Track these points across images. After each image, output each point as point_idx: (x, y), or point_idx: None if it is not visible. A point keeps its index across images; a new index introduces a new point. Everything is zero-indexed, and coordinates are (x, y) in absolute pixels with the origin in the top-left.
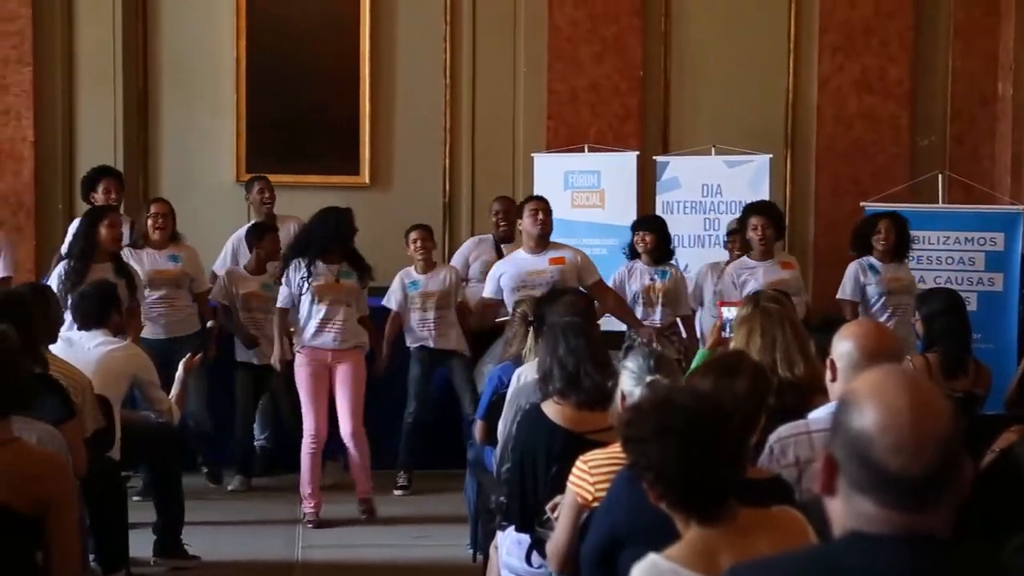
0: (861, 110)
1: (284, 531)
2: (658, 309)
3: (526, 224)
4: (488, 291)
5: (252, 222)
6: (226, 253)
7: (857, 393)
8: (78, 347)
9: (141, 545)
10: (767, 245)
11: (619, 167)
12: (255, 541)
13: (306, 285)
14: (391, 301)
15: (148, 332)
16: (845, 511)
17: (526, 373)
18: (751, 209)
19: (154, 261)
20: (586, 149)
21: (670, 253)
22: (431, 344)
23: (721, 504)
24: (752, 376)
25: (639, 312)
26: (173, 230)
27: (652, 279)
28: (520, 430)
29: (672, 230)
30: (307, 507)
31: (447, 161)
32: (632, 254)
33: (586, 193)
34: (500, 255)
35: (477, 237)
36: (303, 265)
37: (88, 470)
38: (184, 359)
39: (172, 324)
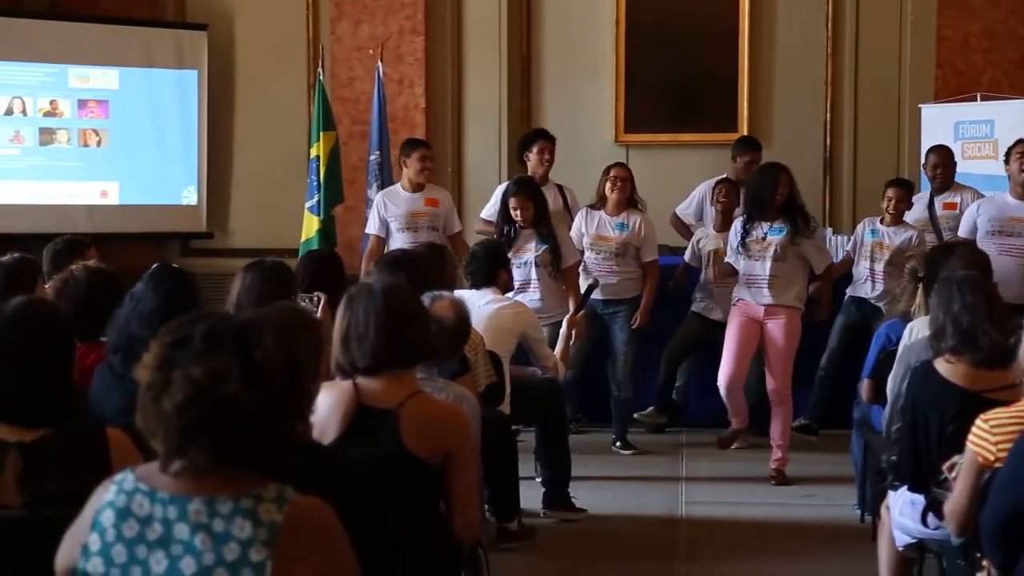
0: None
1: (667, 487)
2: None
3: (1012, 168)
4: (964, 231)
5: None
6: (692, 201)
7: None
8: (469, 305)
9: (531, 497)
10: None
11: (1016, 116)
12: (639, 496)
13: (740, 242)
14: (853, 250)
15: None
16: None
17: (916, 330)
18: None
19: (601, 226)
20: (979, 98)
21: None
22: (867, 295)
23: None
24: None
25: None
26: (631, 195)
27: None
28: (911, 388)
29: None
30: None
31: (828, 115)
32: None
33: (978, 144)
34: (932, 212)
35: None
36: (742, 220)
37: (481, 424)
38: (568, 315)
39: (610, 288)
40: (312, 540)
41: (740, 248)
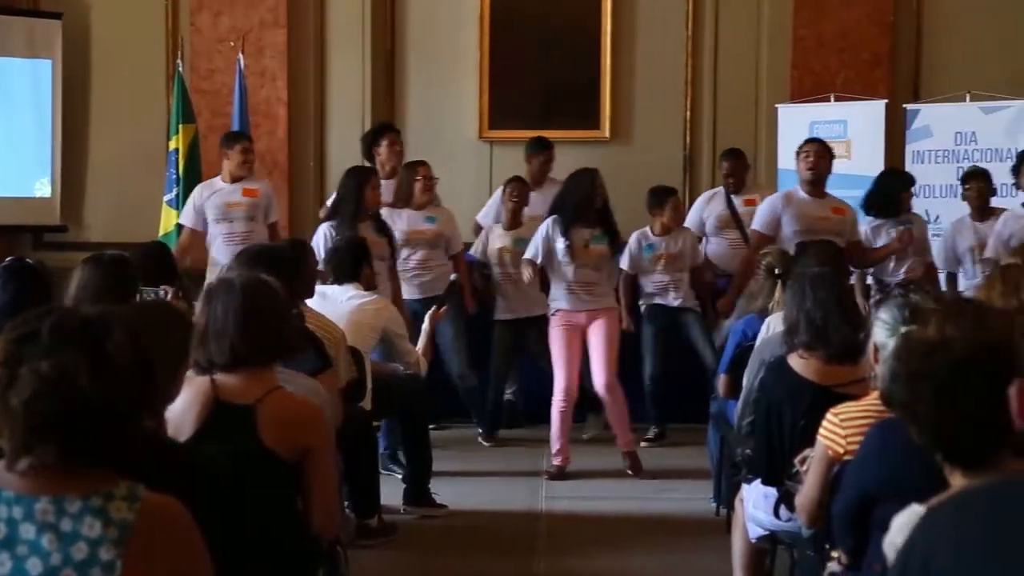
0: None
1: (529, 482)
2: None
3: (799, 166)
4: (760, 223)
5: (512, 177)
6: (490, 208)
7: None
8: (331, 300)
9: (392, 493)
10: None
11: (867, 116)
12: (501, 492)
13: (560, 248)
14: (623, 262)
15: (404, 292)
16: None
17: (771, 326)
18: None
19: (412, 221)
20: (832, 98)
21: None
22: (669, 303)
23: (983, 454)
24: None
25: (889, 267)
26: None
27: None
28: (765, 383)
29: (922, 180)
30: (554, 461)
31: (688, 113)
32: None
33: (832, 143)
34: (732, 208)
35: (708, 192)
36: (558, 226)
37: (342, 420)
38: (430, 311)
39: (427, 284)
40: (164, 539)
41: (565, 254)
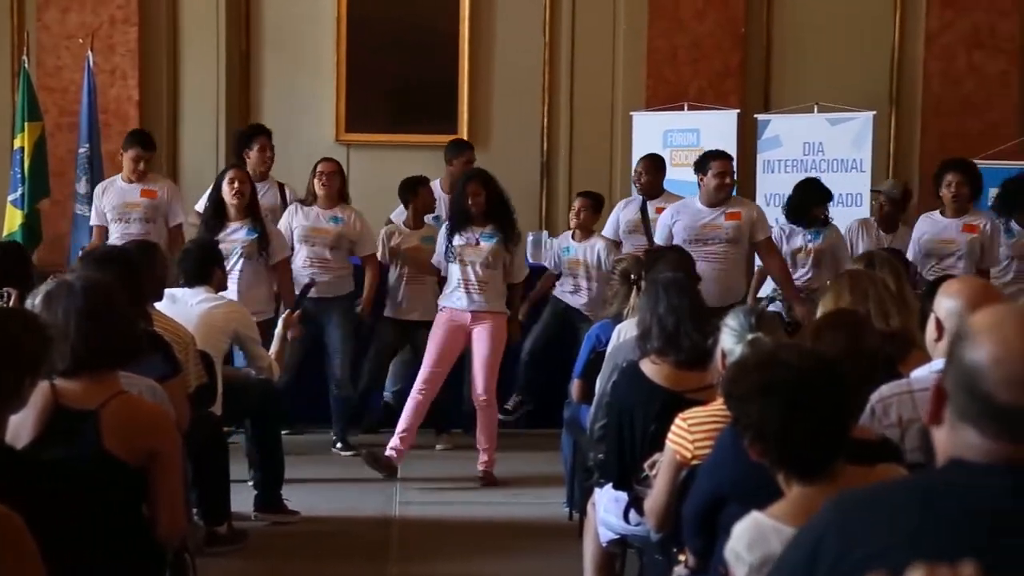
0: (970, 66)
1: (382, 488)
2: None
3: (710, 183)
4: (660, 238)
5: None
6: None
7: (974, 326)
8: (181, 303)
9: (242, 500)
10: (960, 203)
11: (719, 126)
12: (353, 498)
13: (448, 247)
14: (550, 262)
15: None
16: (949, 440)
17: (625, 331)
18: (948, 164)
19: (315, 219)
20: (686, 107)
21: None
22: (574, 304)
23: (824, 463)
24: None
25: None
26: (341, 189)
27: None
28: (617, 388)
29: (772, 189)
30: (393, 442)
31: (545, 120)
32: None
33: (685, 152)
34: (644, 214)
35: (627, 199)
36: (447, 226)
37: (190, 425)
38: (284, 315)
39: (323, 285)
40: None
41: (449, 253)
